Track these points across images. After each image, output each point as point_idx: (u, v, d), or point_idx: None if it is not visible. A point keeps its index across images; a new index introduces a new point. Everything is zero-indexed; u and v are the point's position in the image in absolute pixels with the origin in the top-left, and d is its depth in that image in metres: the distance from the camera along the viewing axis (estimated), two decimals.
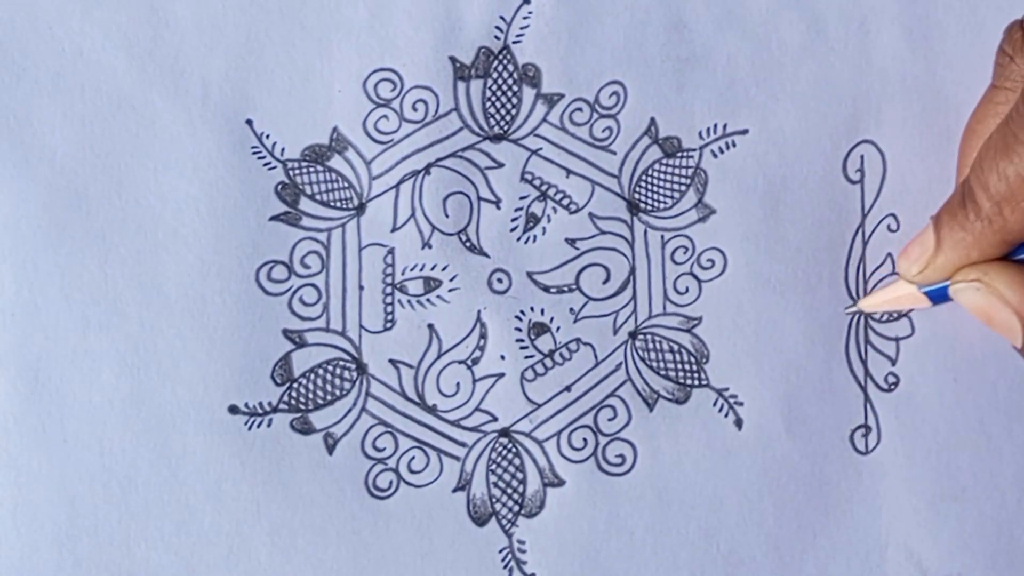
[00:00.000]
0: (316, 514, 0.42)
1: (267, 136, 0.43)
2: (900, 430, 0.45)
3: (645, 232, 0.44)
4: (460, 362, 0.44)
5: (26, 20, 0.42)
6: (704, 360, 0.44)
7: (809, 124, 0.45)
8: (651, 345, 0.44)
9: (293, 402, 0.43)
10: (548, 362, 0.44)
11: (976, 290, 0.39)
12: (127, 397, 0.42)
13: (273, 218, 0.43)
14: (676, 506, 0.44)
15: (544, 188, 0.44)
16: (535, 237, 0.44)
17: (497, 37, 0.44)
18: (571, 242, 0.44)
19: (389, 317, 0.43)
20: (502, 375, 0.44)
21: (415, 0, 0.43)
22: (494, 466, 0.43)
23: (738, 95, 0.44)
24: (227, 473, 0.42)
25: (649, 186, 0.44)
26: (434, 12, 0.43)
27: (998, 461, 0.45)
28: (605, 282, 0.44)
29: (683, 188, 0.44)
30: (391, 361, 0.43)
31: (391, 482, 0.43)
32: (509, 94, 0.44)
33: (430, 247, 0.43)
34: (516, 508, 0.43)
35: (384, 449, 0.43)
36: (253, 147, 0.43)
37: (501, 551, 0.43)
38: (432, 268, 0.43)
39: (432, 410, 0.43)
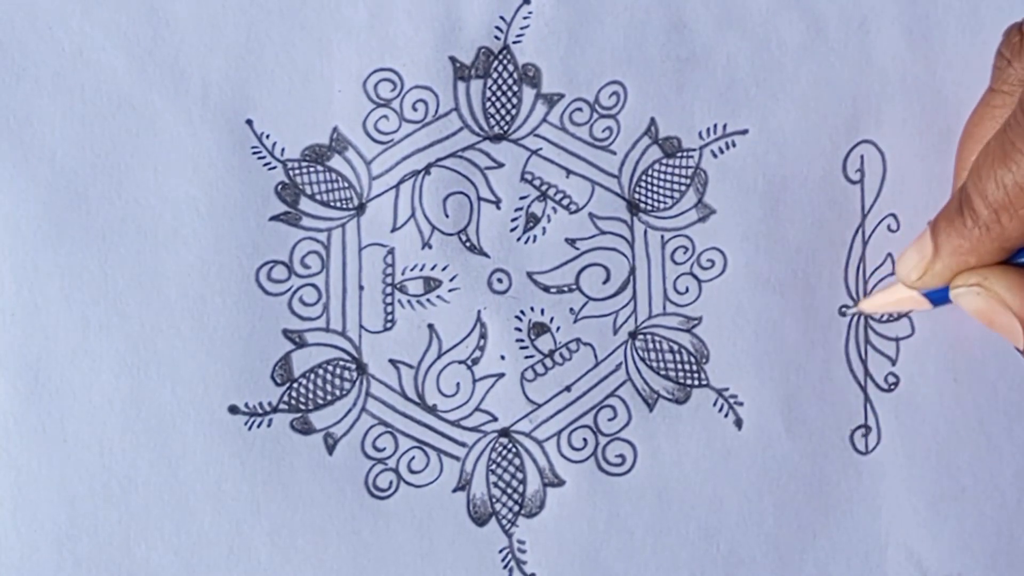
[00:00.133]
0: (316, 514, 0.42)
1: (267, 136, 0.43)
2: (900, 430, 0.45)
3: (645, 232, 0.44)
4: (460, 362, 0.44)
5: (26, 20, 0.42)
6: (704, 360, 0.44)
7: (809, 124, 0.45)
8: (651, 345, 0.44)
9: (293, 402, 0.43)
10: (548, 362, 0.44)
11: (976, 294, 0.39)
12: (127, 397, 0.42)
13: (273, 218, 0.43)
14: (676, 506, 0.44)
15: (544, 188, 0.44)
16: (535, 237, 0.44)
17: (497, 37, 0.44)
18: (571, 242, 0.44)
19: (389, 317, 0.43)
20: (502, 375, 0.44)
21: (415, 0, 0.43)
22: (494, 466, 0.43)
23: (738, 95, 0.44)
24: (227, 473, 0.42)
25: (649, 186, 0.44)
26: (434, 12, 0.43)
27: (998, 461, 0.45)
28: (605, 282, 0.44)
29: (683, 188, 0.44)
30: (391, 361, 0.43)
31: (391, 482, 0.43)
32: (509, 94, 0.44)
33: (430, 247, 0.43)
34: (516, 508, 0.43)
35: (384, 449, 0.43)
36: (253, 147, 0.43)
37: (501, 551, 0.43)
38: (432, 268, 0.43)
39: (432, 410, 0.43)
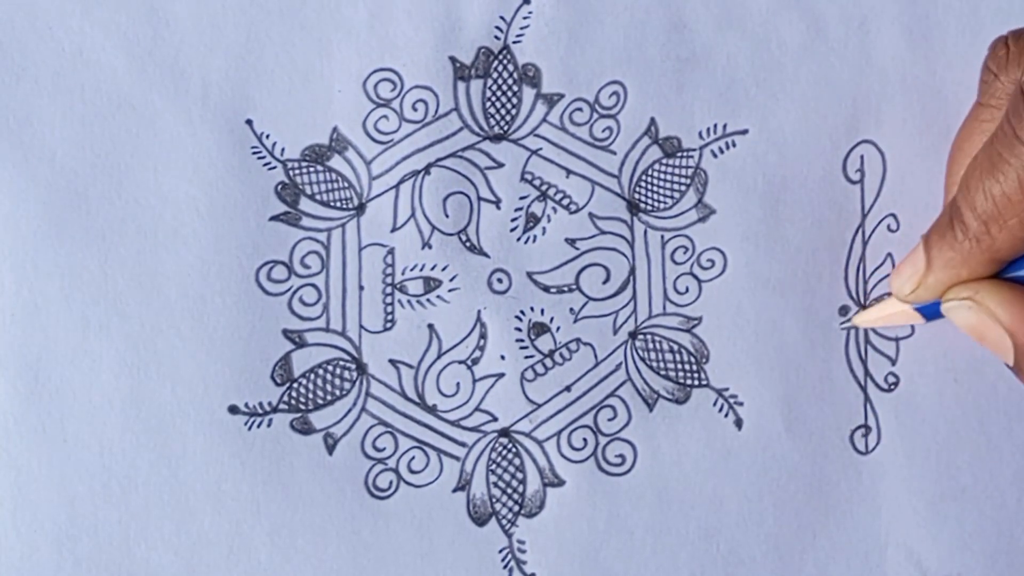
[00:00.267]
0: (316, 514, 0.42)
1: (267, 136, 0.43)
2: (900, 430, 0.45)
3: (645, 232, 0.44)
4: (460, 362, 0.44)
5: (26, 20, 0.42)
6: (704, 360, 0.44)
7: (809, 124, 0.45)
8: (651, 345, 0.44)
9: (293, 402, 0.43)
10: (548, 362, 0.44)
11: (968, 308, 0.40)
12: (127, 397, 0.42)
13: (273, 218, 0.43)
14: (676, 506, 0.44)
15: (544, 188, 0.44)
16: (535, 237, 0.44)
17: (497, 37, 0.44)
18: (571, 242, 0.44)
19: (389, 317, 0.43)
20: (502, 375, 0.44)
21: (415, 0, 0.43)
22: (494, 466, 0.43)
23: (738, 95, 0.44)
24: (227, 473, 0.42)
25: (649, 186, 0.44)
26: (434, 12, 0.43)
27: (998, 461, 0.45)
28: (605, 282, 0.44)
29: (683, 188, 0.44)
30: (391, 361, 0.43)
31: (391, 482, 0.43)
32: (509, 94, 0.44)
33: (430, 247, 0.43)
34: (516, 508, 0.43)
35: (384, 449, 0.43)
36: (253, 147, 0.43)
37: (501, 551, 0.43)
38: (432, 268, 0.43)
39: (432, 410, 0.43)
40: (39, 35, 0.42)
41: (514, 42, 0.44)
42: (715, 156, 0.44)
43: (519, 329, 0.44)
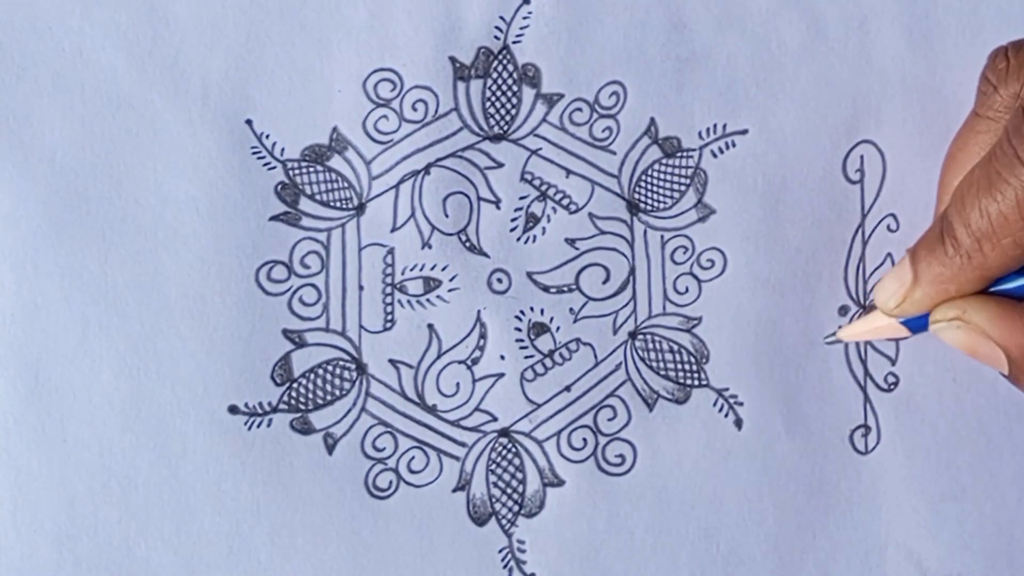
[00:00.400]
0: (316, 514, 0.42)
1: (267, 136, 0.43)
2: (900, 430, 0.45)
3: (645, 232, 0.44)
4: (460, 362, 0.44)
5: (26, 20, 0.42)
6: (704, 360, 0.44)
7: (809, 124, 0.45)
8: (651, 345, 0.44)
9: (293, 402, 0.43)
10: (548, 362, 0.44)
11: (957, 328, 0.39)
12: (127, 397, 0.42)
13: (273, 218, 0.43)
14: (676, 506, 0.44)
15: (544, 188, 0.44)
16: (535, 237, 0.44)
17: (497, 37, 0.44)
18: (571, 242, 0.44)
19: (389, 317, 0.43)
20: (502, 375, 0.44)
21: (415, 0, 0.43)
22: (494, 466, 0.43)
23: (738, 95, 0.44)
24: (227, 473, 0.42)
25: (649, 186, 0.44)
26: (434, 12, 0.43)
27: (998, 461, 0.45)
28: (605, 282, 0.44)
29: (683, 188, 0.44)
30: (391, 361, 0.43)
31: (391, 482, 0.43)
32: (509, 94, 0.44)
33: (430, 247, 0.43)
34: (516, 508, 0.43)
35: (384, 449, 0.43)
36: (253, 147, 0.43)
37: (501, 551, 0.43)
38: (432, 268, 0.43)
39: (432, 410, 0.43)
40: (39, 35, 0.42)
41: (514, 42, 0.44)
42: (715, 156, 0.44)
43: (519, 329, 0.44)
